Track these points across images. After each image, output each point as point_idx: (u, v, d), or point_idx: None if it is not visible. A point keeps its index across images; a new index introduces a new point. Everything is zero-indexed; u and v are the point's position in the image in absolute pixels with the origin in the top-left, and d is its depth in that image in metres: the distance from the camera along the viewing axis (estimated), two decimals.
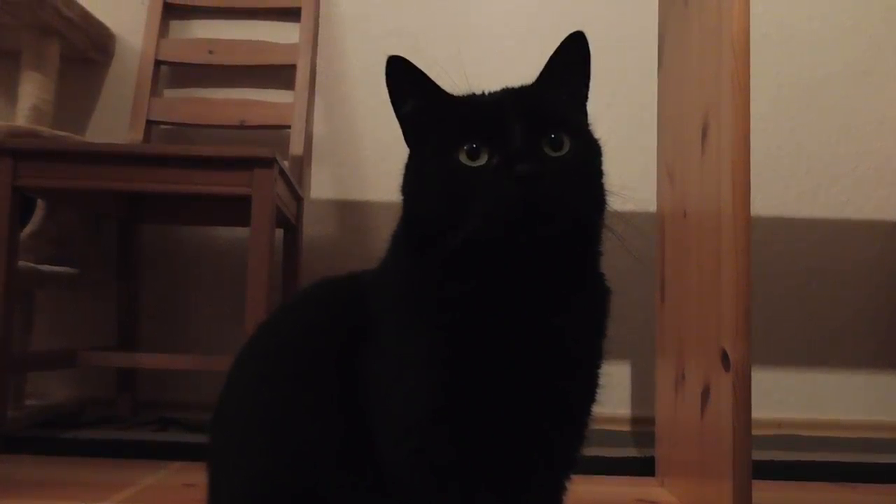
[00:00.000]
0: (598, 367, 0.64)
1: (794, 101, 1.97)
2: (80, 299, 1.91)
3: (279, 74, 1.94)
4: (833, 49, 1.98)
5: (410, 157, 0.64)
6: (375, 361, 0.61)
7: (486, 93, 0.64)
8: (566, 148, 0.59)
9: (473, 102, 0.63)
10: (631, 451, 1.51)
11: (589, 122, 0.67)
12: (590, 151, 0.62)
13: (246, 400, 0.67)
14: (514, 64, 1.92)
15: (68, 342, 1.87)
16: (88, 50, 1.88)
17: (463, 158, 0.57)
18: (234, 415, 0.68)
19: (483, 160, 0.57)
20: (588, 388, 0.64)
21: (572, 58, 0.66)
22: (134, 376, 1.84)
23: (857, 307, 1.93)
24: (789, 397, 1.90)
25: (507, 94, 0.63)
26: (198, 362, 1.63)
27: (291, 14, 1.96)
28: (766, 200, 1.94)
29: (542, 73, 0.66)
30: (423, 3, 1.99)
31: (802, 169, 1.96)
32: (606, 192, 0.63)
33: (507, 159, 0.56)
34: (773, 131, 1.96)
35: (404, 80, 0.63)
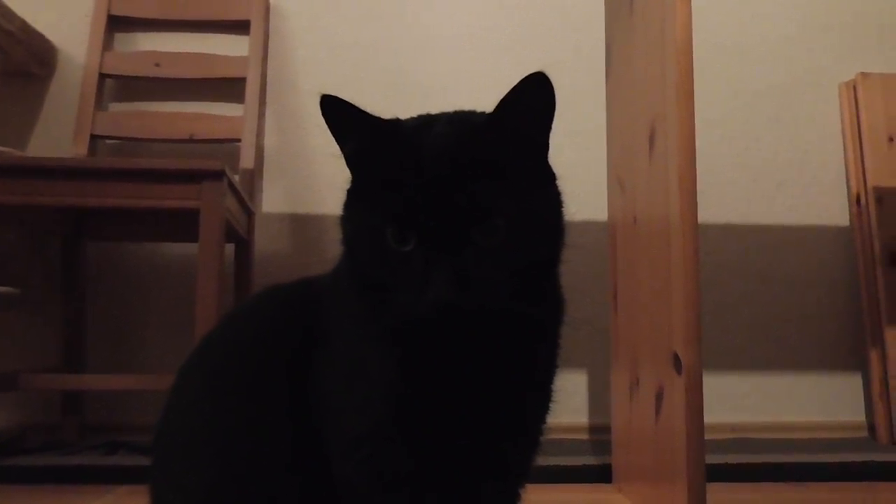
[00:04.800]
0: (552, 377, 0.64)
1: (742, 109, 2.03)
2: (22, 319, 1.83)
3: (228, 87, 1.91)
4: (779, 59, 2.05)
5: (351, 193, 0.63)
6: (328, 369, 0.61)
7: (432, 131, 0.57)
8: (500, 233, 0.54)
9: (407, 167, 0.55)
10: (589, 459, 1.51)
11: (549, 159, 0.62)
12: (533, 220, 0.57)
13: (190, 414, 0.65)
14: (467, 76, 1.92)
15: (9, 364, 1.80)
16: (29, 63, 1.83)
17: (390, 238, 0.55)
18: (177, 430, 0.66)
19: (410, 244, 0.55)
20: (542, 399, 0.64)
21: (530, 104, 0.58)
22: (80, 399, 1.78)
23: (805, 311, 1.98)
24: (744, 401, 1.93)
25: (446, 158, 0.55)
26: (147, 382, 1.58)
27: (240, 27, 1.94)
28: (716, 207, 1.98)
29: (491, 119, 0.57)
30: (374, 15, 1.98)
31: (750, 176, 2.01)
32: (564, 232, 0.60)
33: (430, 259, 0.53)
34: (721, 139, 2.01)
35: (339, 120, 0.59)
